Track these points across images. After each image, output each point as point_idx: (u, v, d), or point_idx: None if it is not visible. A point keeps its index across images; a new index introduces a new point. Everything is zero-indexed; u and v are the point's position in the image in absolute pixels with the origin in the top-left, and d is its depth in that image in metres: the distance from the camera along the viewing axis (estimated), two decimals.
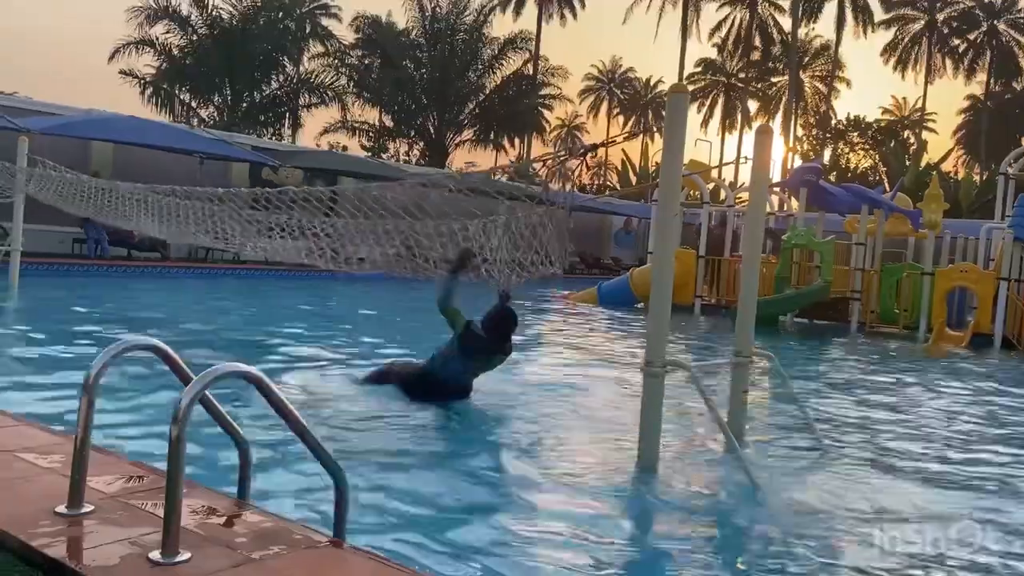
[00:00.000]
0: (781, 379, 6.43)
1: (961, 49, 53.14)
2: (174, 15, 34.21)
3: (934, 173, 30.09)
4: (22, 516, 2.55)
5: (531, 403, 6.92)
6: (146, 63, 34.95)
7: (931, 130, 56.98)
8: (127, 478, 3.01)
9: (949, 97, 70.16)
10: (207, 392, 2.47)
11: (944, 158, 48.00)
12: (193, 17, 34.70)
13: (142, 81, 34.59)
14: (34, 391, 5.73)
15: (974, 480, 5.31)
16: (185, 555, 2.32)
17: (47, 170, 9.44)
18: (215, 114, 36.08)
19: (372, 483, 4.18)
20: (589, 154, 6.12)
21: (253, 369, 2.49)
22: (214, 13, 34.97)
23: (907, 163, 41.64)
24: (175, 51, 34.89)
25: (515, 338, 6.62)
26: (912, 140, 53.42)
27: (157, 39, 34.34)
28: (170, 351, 2.77)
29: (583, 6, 53.13)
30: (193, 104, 36.31)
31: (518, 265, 6.19)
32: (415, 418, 5.92)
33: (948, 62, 53.54)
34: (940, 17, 53.07)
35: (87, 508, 2.63)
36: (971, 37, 52.66)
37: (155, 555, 2.31)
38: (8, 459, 3.13)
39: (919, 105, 55.82)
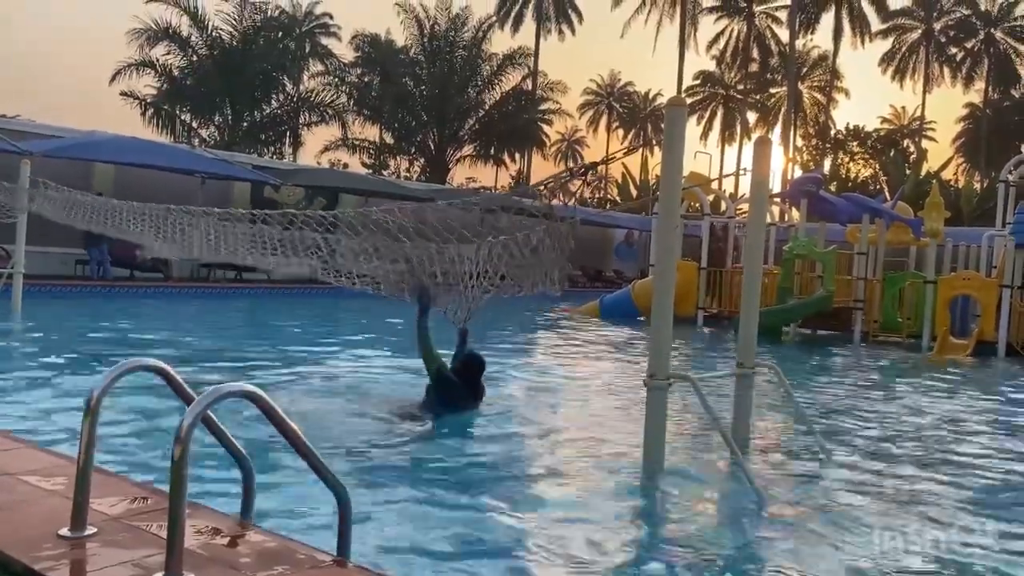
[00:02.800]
0: (784, 390, 6.42)
1: (959, 58, 53.26)
2: (174, 36, 34.39)
3: (934, 181, 30.13)
4: (26, 539, 2.54)
5: (534, 417, 6.91)
6: (147, 84, 35.16)
7: (931, 139, 57.09)
8: (130, 500, 3.00)
9: (948, 105, 70.29)
10: (209, 412, 2.47)
11: (944, 166, 48.10)
12: (193, 38, 34.89)
13: (143, 102, 34.73)
14: (37, 413, 5.72)
15: (978, 487, 5.29)
16: None
17: (50, 191, 9.47)
18: (216, 134, 36.22)
19: (375, 501, 4.17)
20: (589, 173, 6.11)
21: (255, 388, 2.48)
22: (214, 34, 35.17)
23: (907, 172, 41.72)
24: (176, 72, 35.05)
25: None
26: (912, 149, 53.49)
27: (158, 60, 34.54)
28: (172, 372, 2.77)
29: (581, 21, 53.44)
30: (194, 124, 36.44)
31: (509, 281, 6.22)
32: (417, 434, 5.91)
33: (946, 71, 53.67)
34: (937, 26, 53.23)
35: (90, 530, 2.62)
36: (968, 45, 52.78)
37: None
38: (11, 482, 3.12)
39: (918, 114, 55.95)
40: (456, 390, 6.51)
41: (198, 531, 2.68)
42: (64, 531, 2.60)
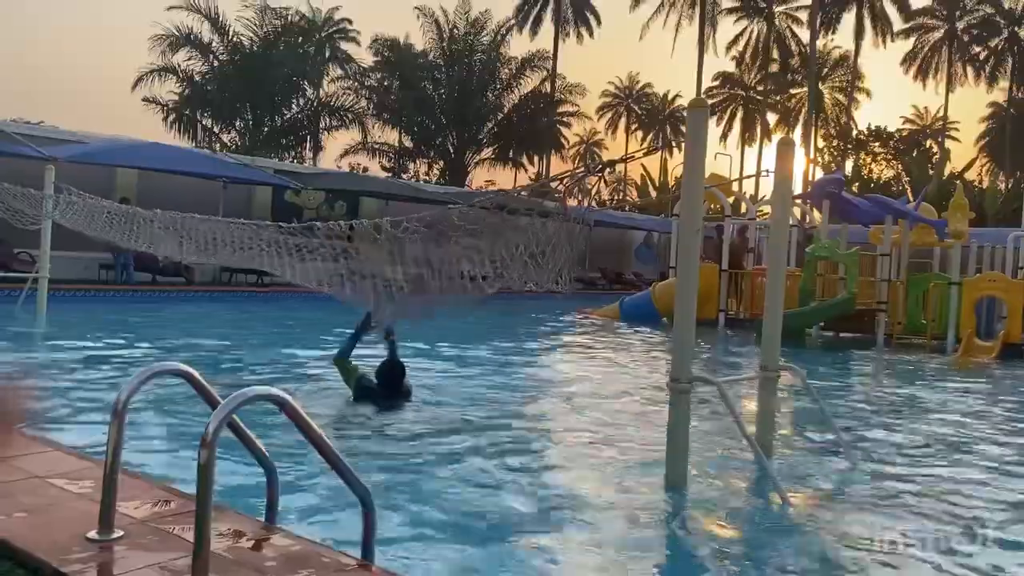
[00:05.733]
0: (809, 393, 6.36)
1: (982, 57, 52.71)
2: (196, 42, 34.70)
3: (958, 182, 29.82)
4: (54, 542, 2.56)
5: (556, 420, 6.90)
6: (169, 90, 35.50)
7: (954, 139, 56.54)
8: (156, 503, 3.02)
9: (971, 105, 69.47)
10: (234, 415, 2.48)
11: (968, 167, 47.65)
12: (214, 44, 35.19)
13: (165, 108, 35.08)
14: (64, 417, 5.78)
15: (1007, 494, 5.21)
16: None
17: (72, 196, 9.56)
18: (237, 139, 36.48)
19: (400, 506, 4.17)
20: (607, 170, 6.08)
21: (280, 392, 2.49)
22: (235, 39, 35.46)
23: (930, 172, 41.33)
24: (197, 77, 35.35)
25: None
26: (935, 149, 52.97)
27: (179, 66, 34.85)
28: (197, 375, 2.78)
29: (599, 23, 53.39)
30: (215, 129, 36.74)
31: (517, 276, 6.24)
32: (442, 439, 5.91)
33: (969, 70, 53.13)
34: (960, 25, 52.71)
35: (117, 533, 2.64)
36: (992, 44, 52.22)
37: None
38: (39, 485, 3.15)
39: (941, 114, 55.40)
40: (376, 398, 6.80)
41: (224, 534, 2.70)
42: (92, 534, 2.62)
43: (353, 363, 7.11)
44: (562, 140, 48.10)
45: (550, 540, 3.93)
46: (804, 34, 52.79)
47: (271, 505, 2.96)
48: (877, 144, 52.91)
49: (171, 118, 35.31)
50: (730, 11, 53.93)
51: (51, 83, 77.67)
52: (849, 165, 50.60)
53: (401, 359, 7.09)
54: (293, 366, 8.96)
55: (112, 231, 8.86)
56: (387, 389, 6.88)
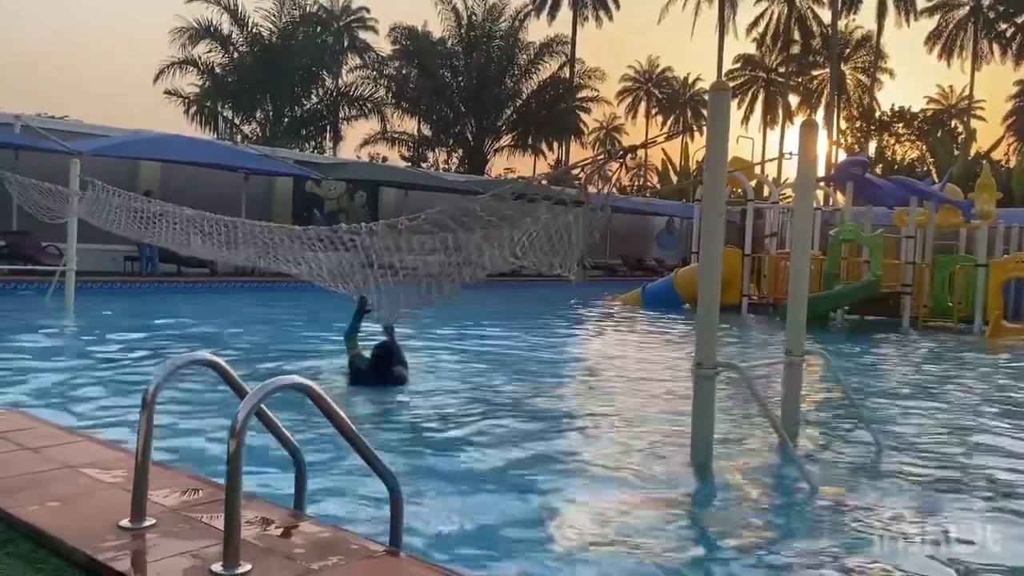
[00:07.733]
0: (834, 377, 6.31)
1: (1009, 33, 51.75)
2: (215, 34, 34.86)
3: (985, 162, 29.40)
4: (87, 531, 2.60)
5: (581, 407, 6.90)
6: (190, 82, 35.70)
7: (980, 118, 55.59)
8: (186, 491, 3.06)
9: (998, 83, 68.32)
10: (262, 405, 2.50)
11: (995, 146, 46.85)
12: (234, 35, 35.33)
13: (186, 100, 35.29)
14: (95, 408, 5.86)
15: None
16: (246, 567, 2.35)
17: (98, 192, 9.62)
18: (257, 130, 36.64)
19: (426, 492, 4.20)
20: (629, 156, 6.02)
21: (308, 381, 2.51)
22: (254, 31, 35.57)
23: (956, 153, 40.75)
24: (217, 69, 35.53)
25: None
26: (960, 129, 52.17)
27: (200, 58, 35.02)
28: (226, 365, 2.81)
29: (618, 7, 52.97)
30: (236, 121, 36.91)
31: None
32: (468, 423, 5.94)
33: (995, 47, 52.20)
34: (985, 2, 51.76)
35: (149, 522, 2.68)
36: (1019, 21, 51.24)
37: (217, 567, 2.34)
38: (72, 475, 3.20)
39: (966, 93, 54.51)
40: (363, 377, 7.10)
41: (253, 522, 2.72)
42: (124, 522, 2.66)
43: (356, 342, 7.41)
44: (581, 126, 47.83)
45: (574, 522, 3.94)
46: (825, 15, 52.13)
47: (299, 493, 2.99)
48: (901, 125, 52.17)
49: (192, 110, 35.54)
50: None
51: (73, 77, 78.39)
52: (872, 146, 49.99)
53: (396, 346, 7.28)
54: (318, 355, 9.02)
55: (138, 229, 8.91)
56: (376, 372, 7.08)
